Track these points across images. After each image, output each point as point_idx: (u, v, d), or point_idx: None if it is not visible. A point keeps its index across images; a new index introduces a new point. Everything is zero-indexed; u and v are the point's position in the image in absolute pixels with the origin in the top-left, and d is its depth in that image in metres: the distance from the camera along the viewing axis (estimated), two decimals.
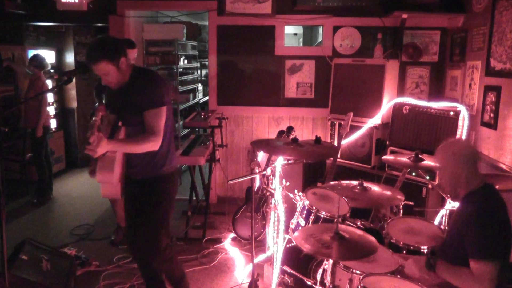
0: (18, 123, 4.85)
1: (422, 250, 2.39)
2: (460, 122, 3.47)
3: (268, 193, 3.15)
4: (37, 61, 4.73)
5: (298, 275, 2.67)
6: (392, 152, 3.77)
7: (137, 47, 3.76)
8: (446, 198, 2.82)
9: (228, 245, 3.79)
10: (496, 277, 1.82)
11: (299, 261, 2.69)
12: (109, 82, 2.33)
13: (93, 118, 2.14)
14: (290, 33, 7.50)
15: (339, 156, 3.96)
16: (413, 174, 3.60)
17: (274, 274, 2.79)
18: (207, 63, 5.21)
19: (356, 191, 2.79)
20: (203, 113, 4.28)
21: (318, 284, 2.45)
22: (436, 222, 2.93)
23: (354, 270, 2.12)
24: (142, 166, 2.40)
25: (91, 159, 2.28)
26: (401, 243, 2.43)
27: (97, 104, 3.64)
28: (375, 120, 3.93)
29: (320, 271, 2.44)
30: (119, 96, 2.39)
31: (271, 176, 3.02)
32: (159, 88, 2.33)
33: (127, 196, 2.53)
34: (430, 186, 3.49)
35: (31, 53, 5.29)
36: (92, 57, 2.24)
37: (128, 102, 2.33)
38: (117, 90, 2.38)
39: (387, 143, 3.92)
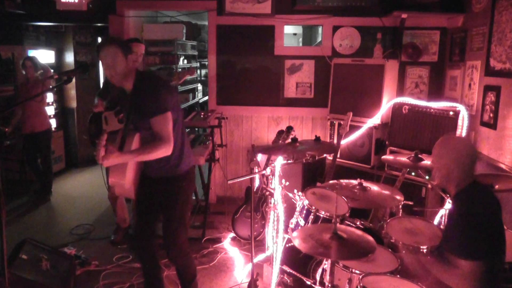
0: (18, 123, 4.86)
1: (421, 250, 2.39)
2: (459, 122, 3.47)
3: (267, 193, 3.15)
4: (39, 63, 4.75)
5: (298, 274, 2.67)
6: (392, 152, 3.77)
7: None
8: (446, 197, 2.82)
9: (228, 245, 3.79)
10: (481, 276, 1.78)
11: (299, 261, 2.69)
12: (112, 75, 2.33)
13: (99, 139, 2.18)
14: (290, 33, 7.51)
15: (338, 155, 3.96)
16: (413, 174, 3.61)
17: (274, 273, 2.79)
18: (206, 63, 5.22)
19: (356, 191, 2.79)
20: (202, 113, 4.28)
21: (317, 283, 2.45)
22: (436, 222, 2.93)
23: (353, 270, 2.13)
24: (157, 166, 2.45)
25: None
26: (401, 243, 2.43)
27: (96, 101, 3.63)
28: (375, 120, 3.93)
29: (320, 270, 2.44)
30: (128, 101, 2.42)
31: (271, 176, 3.02)
32: (160, 94, 2.35)
33: (143, 193, 2.56)
34: (429, 186, 3.49)
35: (31, 53, 5.29)
36: (105, 42, 2.38)
37: (136, 107, 2.36)
38: (127, 95, 2.43)
39: (387, 143, 3.92)
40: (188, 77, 3.91)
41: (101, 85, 3.94)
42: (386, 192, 2.84)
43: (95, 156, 2.15)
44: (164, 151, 2.31)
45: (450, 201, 2.69)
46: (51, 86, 4.83)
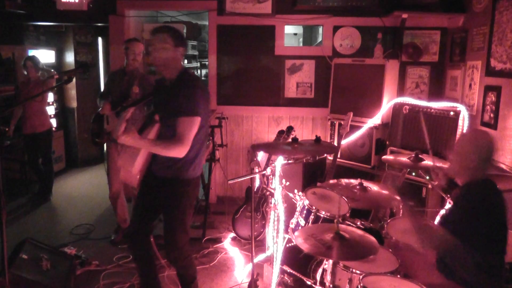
0: (18, 123, 4.87)
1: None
2: (460, 122, 3.47)
3: (268, 193, 3.15)
4: (40, 63, 4.77)
5: (298, 274, 2.67)
6: (392, 152, 3.77)
7: None
8: (446, 198, 2.82)
9: (228, 245, 3.79)
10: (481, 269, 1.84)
11: (299, 261, 2.70)
12: (157, 60, 2.34)
13: (123, 114, 2.19)
14: (290, 33, 7.50)
15: (339, 156, 3.96)
16: (413, 174, 3.60)
17: (274, 273, 2.79)
18: (207, 63, 5.21)
19: (356, 191, 2.79)
20: None
21: (317, 284, 2.45)
22: (436, 222, 2.93)
23: (353, 270, 2.13)
24: (166, 165, 2.42)
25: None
26: (401, 243, 2.42)
27: (102, 103, 3.63)
28: (375, 120, 3.93)
29: (320, 270, 2.44)
30: (163, 94, 2.44)
31: (271, 176, 3.02)
32: (197, 97, 2.34)
33: (146, 189, 2.55)
34: (430, 186, 3.48)
35: (31, 52, 5.29)
36: (159, 28, 2.37)
37: (169, 102, 2.36)
38: (163, 88, 2.45)
39: (387, 143, 3.92)
40: None
41: (102, 86, 3.92)
42: (386, 192, 2.84)
43: (111, 132, 2.13)
44: (177, 152, 2.28)
45: (450, 202, 2.71)
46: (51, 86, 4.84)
